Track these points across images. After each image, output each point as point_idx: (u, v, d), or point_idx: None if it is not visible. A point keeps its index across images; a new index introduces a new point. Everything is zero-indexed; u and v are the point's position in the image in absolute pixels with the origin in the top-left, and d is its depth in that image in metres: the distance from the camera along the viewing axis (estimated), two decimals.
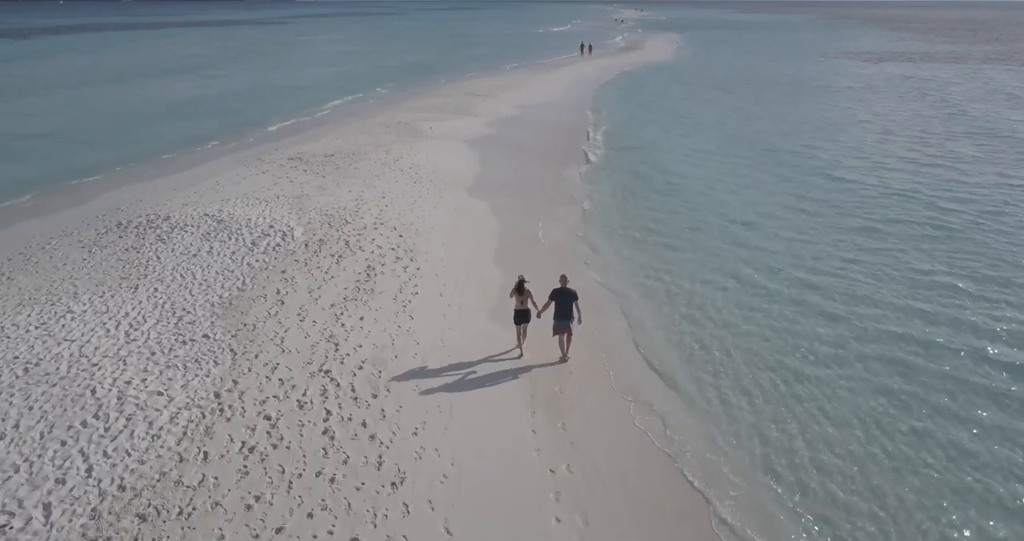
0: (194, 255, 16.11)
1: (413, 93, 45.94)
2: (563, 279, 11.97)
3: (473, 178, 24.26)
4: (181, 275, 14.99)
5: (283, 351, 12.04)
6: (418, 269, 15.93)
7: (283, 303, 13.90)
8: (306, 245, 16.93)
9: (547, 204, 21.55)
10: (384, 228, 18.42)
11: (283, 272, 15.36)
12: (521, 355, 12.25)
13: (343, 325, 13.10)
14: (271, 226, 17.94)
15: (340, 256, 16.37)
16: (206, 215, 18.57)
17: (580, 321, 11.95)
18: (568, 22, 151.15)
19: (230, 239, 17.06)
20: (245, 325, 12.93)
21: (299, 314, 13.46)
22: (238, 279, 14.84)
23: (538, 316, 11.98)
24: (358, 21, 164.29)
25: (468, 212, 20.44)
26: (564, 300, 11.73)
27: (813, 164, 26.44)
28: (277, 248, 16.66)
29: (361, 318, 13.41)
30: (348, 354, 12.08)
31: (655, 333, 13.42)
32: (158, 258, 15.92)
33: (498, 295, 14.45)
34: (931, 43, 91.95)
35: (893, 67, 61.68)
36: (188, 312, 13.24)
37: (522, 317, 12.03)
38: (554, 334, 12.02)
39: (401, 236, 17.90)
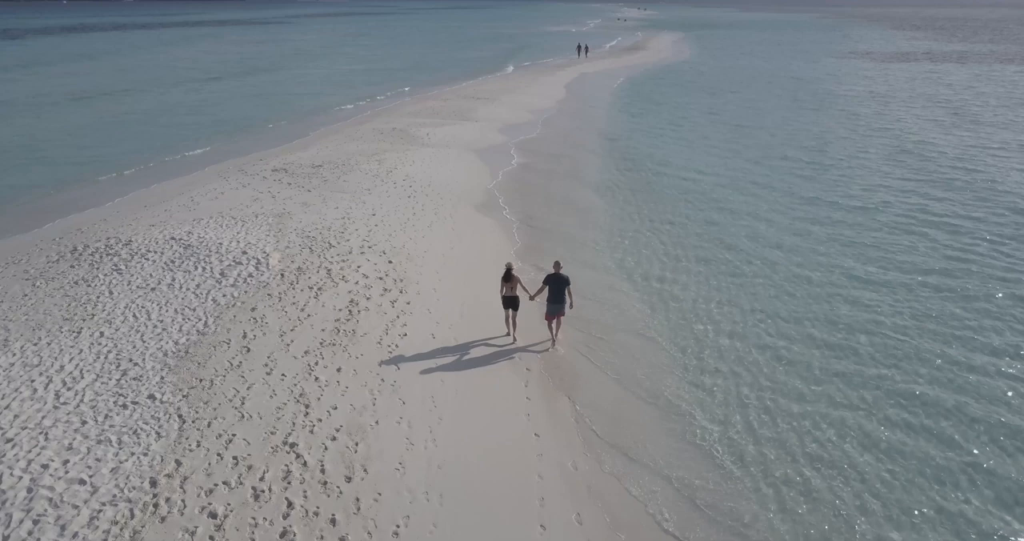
0: (152, 289, 14.11)
1: (411, 95, 44.01)
2: (556, 265, 12.21)
3: (472, 191, 22.30)
4: (134, 315, 12.99)
5: (242, 417, 10.07)
6: (408, 303, 13.98)
7: (249, 350, 11.93)
8: (282, 275, 14.96)
9: (553, 219, 19.56)
10: (372, 252, 16.48)
11: (253, 310, 13.39)
12: (513, 341, 12.48)
13: (317, 379, 11.15)
14: (244, 252, 15.96)
15: (320, 289, 14.40)
16: (173, 239, 16.59)
17: (572, 305, 12.29)
18: (587, 22, 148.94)
19: (196, 268, 15.08)
20: (201, 380, 10.96)
21: (266, 365, 11.50)
22: (199, 319, 12.86)
23: (532, 299, 12.27)
24: (357, 21, 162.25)
25: (466, 231, 18.47)
26: (557, 285, 11.91)
27: (829, 189, 24.43)
28: (249, 279, 14.68)
29: (339, 369, 11.45)
30: (320, 419, 10.12)
31: (673, 383, 11.49)
32: (111, 293, 13.92)
33: (501, 331, 12.81)
34: (941, 42, 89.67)
35: (905, 68, 59.50)
36: (135, 364, 11.26)
37: (510, 303, 12.29)
38: (546, 317, 12.36)
39: (391, 262, 15.95)
